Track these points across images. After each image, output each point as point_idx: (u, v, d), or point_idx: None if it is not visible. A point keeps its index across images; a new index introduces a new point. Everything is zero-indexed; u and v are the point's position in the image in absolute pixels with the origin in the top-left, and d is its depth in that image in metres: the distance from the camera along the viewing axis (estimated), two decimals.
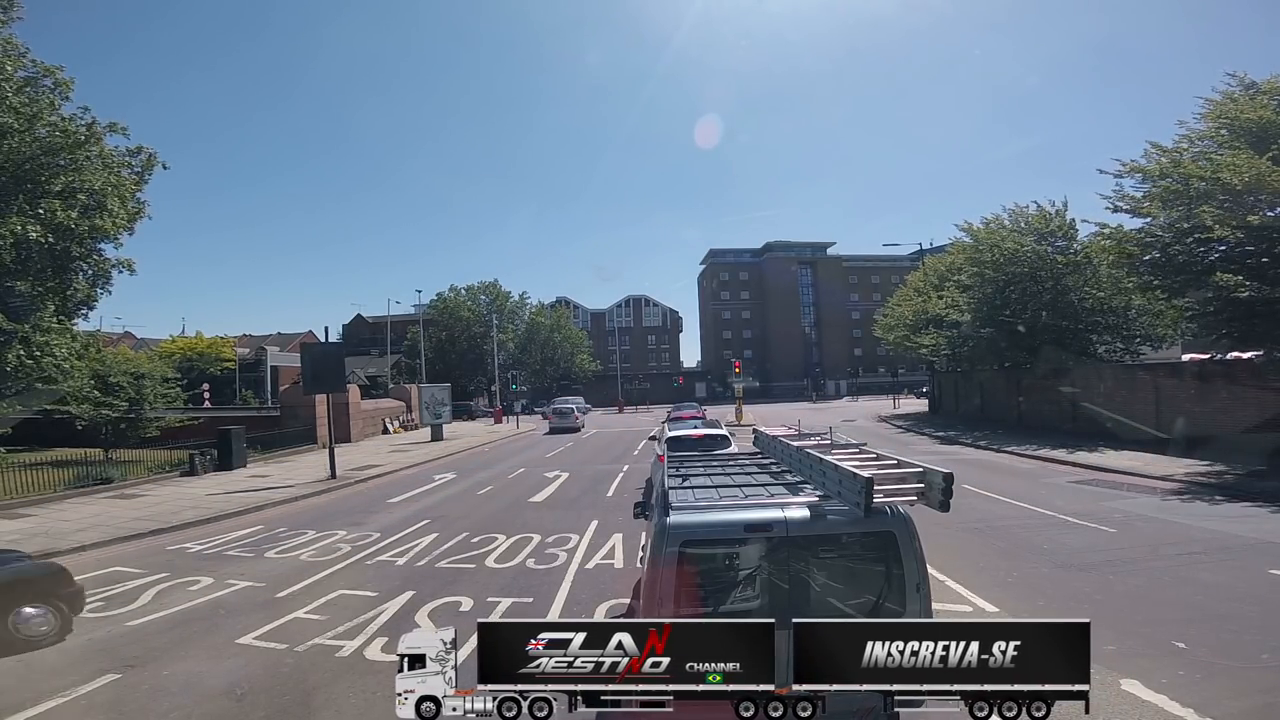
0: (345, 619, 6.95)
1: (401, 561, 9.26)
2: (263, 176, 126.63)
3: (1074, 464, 15.97)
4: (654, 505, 4.56)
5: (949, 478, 3.69)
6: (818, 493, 4.19)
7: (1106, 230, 19.05)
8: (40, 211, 17.89)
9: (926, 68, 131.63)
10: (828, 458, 4.38)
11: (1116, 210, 17.73)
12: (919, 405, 40.96)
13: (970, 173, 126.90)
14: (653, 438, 19.68)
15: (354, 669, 5.74)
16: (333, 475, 17.60)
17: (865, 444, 5.67)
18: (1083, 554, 8.48)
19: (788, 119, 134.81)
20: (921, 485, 3.79)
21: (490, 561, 9.01)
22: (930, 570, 7.74)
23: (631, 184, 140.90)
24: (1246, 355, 16.78)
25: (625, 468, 18.21)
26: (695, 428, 14.06)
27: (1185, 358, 24.22)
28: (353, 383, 47.16)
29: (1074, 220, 22.65)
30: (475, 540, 10.25)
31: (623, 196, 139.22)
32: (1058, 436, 20.11)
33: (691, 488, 4.66)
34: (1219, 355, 17.42)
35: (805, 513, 3.84)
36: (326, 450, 19.03)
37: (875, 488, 3.57)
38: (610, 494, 14.21)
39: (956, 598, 6.94)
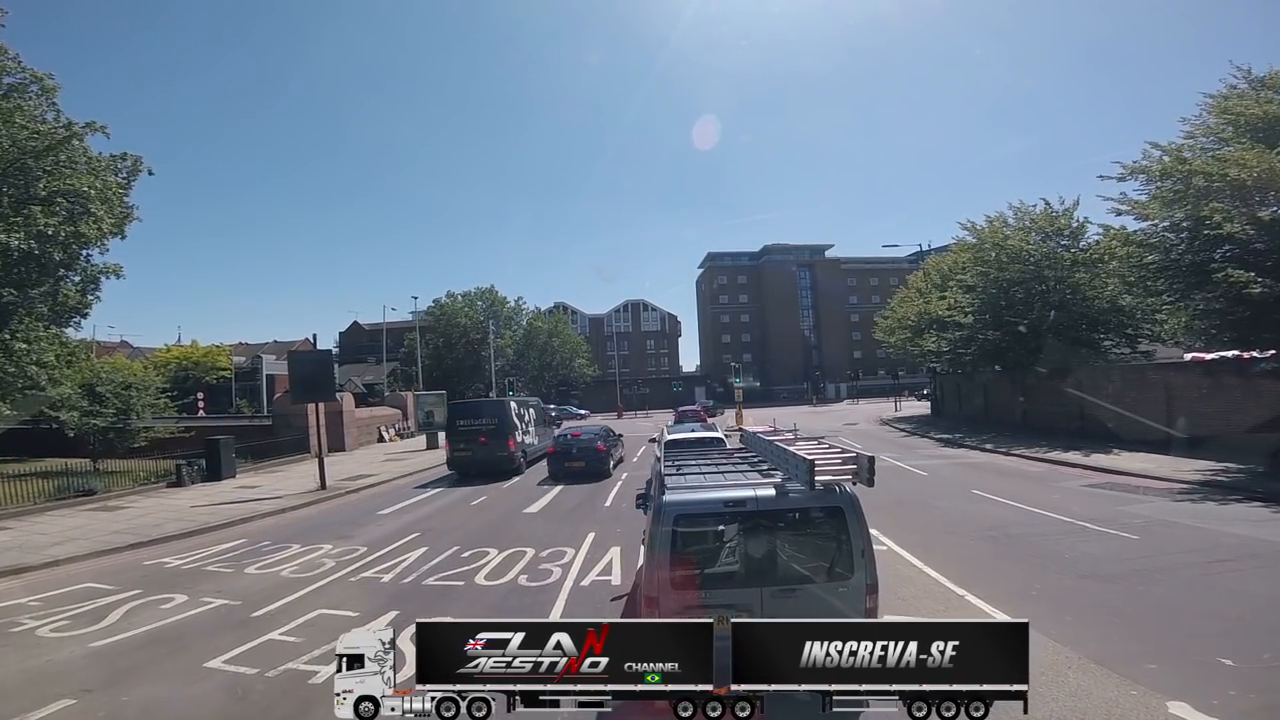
0: (323, 641, 6.50)
1: (387, 579, 8.80)
2: (257, 184, 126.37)
3: (1086, 467, 15.55)
4: (652, 494, 5.31)
5: (872, 460, 4.50)
6: (782, 476, 4.91)
7: (1111, 232, 18.71)
8: (21, 218, 17.53)
9: (924, 69, 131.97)
10: (790, 448, 5.21)
11: (1120, 214, 17.45)
12: (920, 408, 40.57)
13: (967, 173, 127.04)
14: (653, 440, 19.36)
15: (328, 697, 5.26)
16: (322, 486, 17.09)
17: (823, 437, 6.36)
18: (1106, 563, 8.06)
19: (785, 121, 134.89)
20: (855, 466, 4.54)
21: (480, 578, 8.54)
22: (950, 585, 7.38)
23: (628, 188, 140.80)
24: (1256, 355, 16.41)
25: (624, 475, 17.72)
26: (692, 430, 14.60)
27: (1187, 357, 23.85)
28: (349, 390, 46.78)
29: (1085, 220, 22.30)
30: (465, 555, 9.77)
31: (620, 200, 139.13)
32: (1065, 438, 19.67)
33: (684, 474, 5.46)
34: (1221, 355, 17.05)
35: (771, 491, 4.55)
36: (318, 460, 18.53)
37: (816, 468, 4.37)
38: (608, 503, 13.71)
39: (979, 614, 6.48)
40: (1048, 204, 23.00)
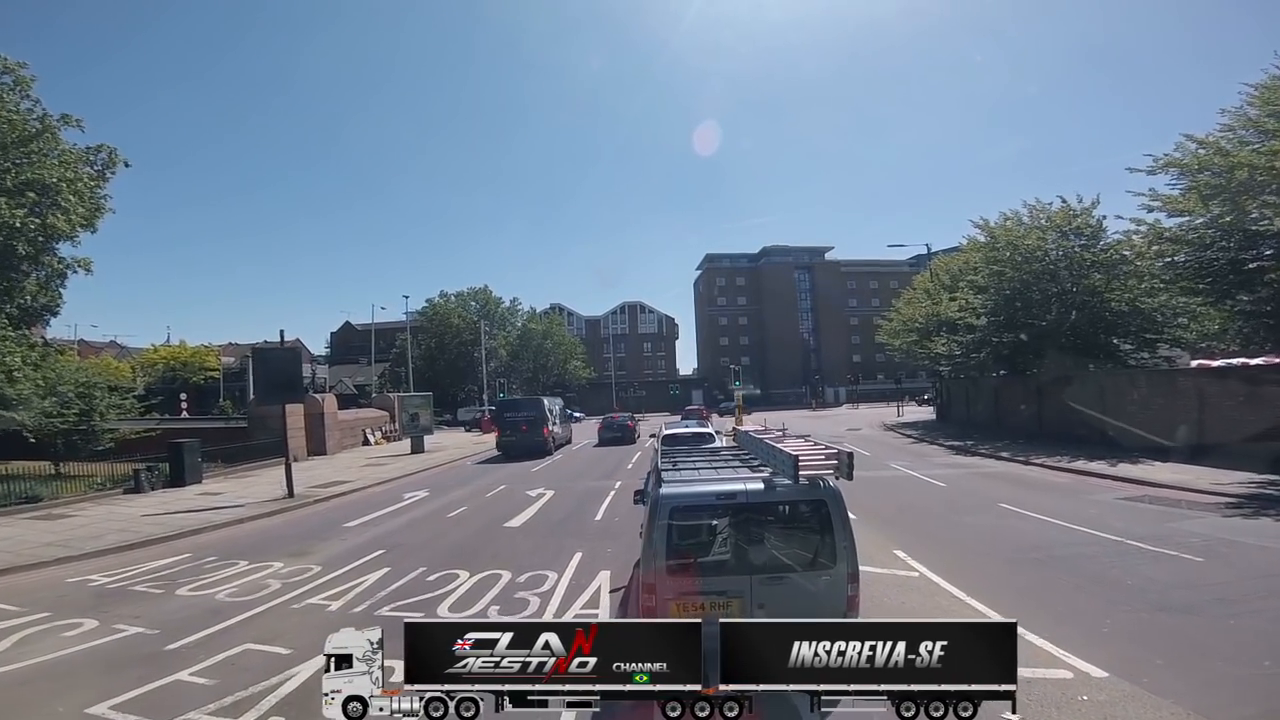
0: (240, 685, 5.36)
1: (335, 606, 7.51)
2: (253, 186, 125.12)
3: (1115, 477, 14.33)
4: (650, 488, 5.62)
5: (851, 456, 4.75)
6: (770, 471, 5.12)
7: (1143, 227, 17.58)
8: None
9: (923, 72, 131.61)
10: (778, 445, 5.42)
11: (1151, 210, 16.33)
12: (923, 413, 39.46)
13: (966, 176, 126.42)
14: (653, 435, 18.93)
15: None
16: (289, 494, 15.72)
17: (810, 435, 6.58)
18: (1177, 590, 6.87)
19: (784, 123, 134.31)
20: (836, 462, 4.70)
21: (444, 609, 7.25)
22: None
23: (627, 190, 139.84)
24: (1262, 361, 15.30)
25: (617, 484, 16.39)
26: (688, 426, 16.93)
27: (1193, 364, 22.75)
28: (335, 391, 45.38)
29: (1103, 218, 21.13)
30: (432, 579, 8.44)
31: (618, 203, 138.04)
32: (1086, 446, 18.47)
33: (679, 469, 5.68)
34: (1227, 362, 15.94)
35: (760, 485, 4.80)
36: (294, 464, 17.21)
37: (800, 463, 4.60)
38: (599, 517, 12.38)
39: (1049, 660, 5.22)
40: (1065, 202, 21.91)
